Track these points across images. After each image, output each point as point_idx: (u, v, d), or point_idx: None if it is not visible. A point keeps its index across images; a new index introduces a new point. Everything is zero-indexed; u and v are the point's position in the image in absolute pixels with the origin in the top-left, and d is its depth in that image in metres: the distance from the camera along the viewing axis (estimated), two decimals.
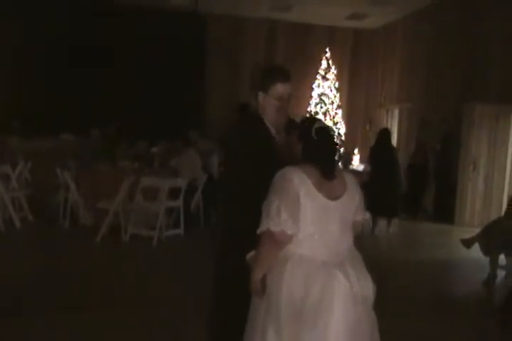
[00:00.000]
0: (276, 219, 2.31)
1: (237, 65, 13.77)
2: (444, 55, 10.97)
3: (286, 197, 2.34)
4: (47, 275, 5.49)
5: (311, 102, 13.73)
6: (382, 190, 8.03)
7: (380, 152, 8.43)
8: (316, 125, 2.50)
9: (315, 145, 2.46)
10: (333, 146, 2.54)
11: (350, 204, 2.48)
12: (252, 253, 2.47)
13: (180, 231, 7.57)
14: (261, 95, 2.78)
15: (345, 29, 14.32)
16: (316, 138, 2.46)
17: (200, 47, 13.31)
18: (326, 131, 2.53)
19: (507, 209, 6.67)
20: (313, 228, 2.37)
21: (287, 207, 2.32)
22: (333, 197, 2.41)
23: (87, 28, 12.22)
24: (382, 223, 8.54)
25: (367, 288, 2.39)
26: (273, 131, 2.79)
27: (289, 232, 2.33)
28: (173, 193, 7.39)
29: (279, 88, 2.75)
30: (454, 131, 9.70)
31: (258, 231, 2.37)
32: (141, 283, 5.47)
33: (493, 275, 6.13)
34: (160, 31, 12.53)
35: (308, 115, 12.93)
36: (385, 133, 8.61)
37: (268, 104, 2.77)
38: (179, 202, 7.47)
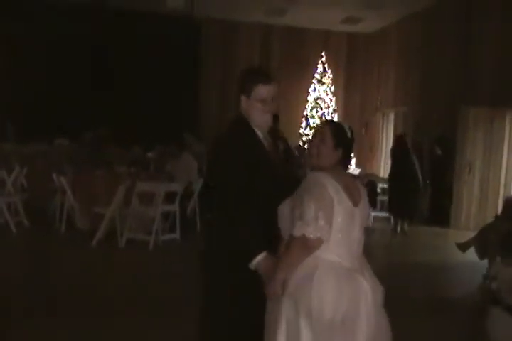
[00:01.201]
0: (313, 225, 2.30)
1: (232, 69, 13.78)
2: (438, 59, 11.01)
3: (323, 203, 2.34)
4: (43, 280, 5.47)
5: (307, 106, 13.75)
6: (396, 193, 8.72)
7: (399, 155, 8.92)
8: (346, 126, 2.57)
9: (352, 146, 2.55)
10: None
11: (366, 210, 2.56)
12: (258, 258, 2.42)
13: (177, 235, 7.56)
14: (244, 99, 2.67)
15: (340, 33, 14.37)
16: (351, 138, 2.55)
17: (195, 51, 13.33)
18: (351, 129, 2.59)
19: (502, 212, 6.71)
20: (340, 234, 2.39)
21: (325, 213, 2.33)
22: (356, 203, 2.46)
23: (83, 30, 12.23)
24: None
25: (380, 291, 2.47)
26: (260, 135, 2.69)
27: (324, 239, 2.34)
28: (169, 197, 7.38)
29: (262, 90, 2.63)
30: (449, 134, 9.73)
31: (290, 235, 2.36)
32: (137, 287, 5.46)
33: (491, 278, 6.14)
34: (155, 35, 12.56)
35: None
36: (402, 138, 9.07)
37: (252, 108, 2.65)
38: (175, 207, 7.46)
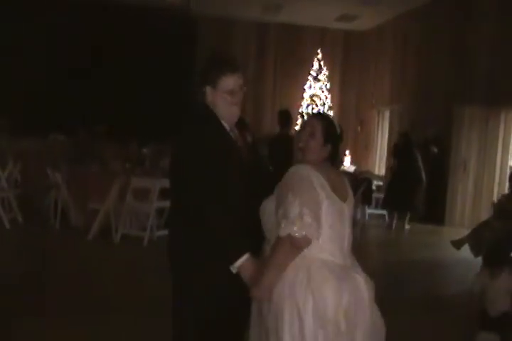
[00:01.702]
0: (298, 224, 2.13)
1: None
2: (434, 57, 11.03)
3: (308, 198, 2.18)
4: (37, 276, 5.46)
5: (302, 103, 13.75)
6: (400, 187, 8.86)
7: (401, 152, 9.10)
8: (335, 121, 2.46)
9: (340, 143, 2.43)
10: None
11: (352, 204, 2.42)
12: (240, 261, 2.24)
13: None
14: (209, 90, 2.46)
15: (336, 30, 14.36)
16: (339, 134, 2.44)
17: (191, 48, 13.29)
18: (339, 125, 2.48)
19: (495, 210, 6.72)
20: (331, 231, 2.26)
21: (310, 209, 2.16)
22: (343, 198, 2.34)
23: (80, 27, 12.19)
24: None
25: (372, 287, 2.36)
26: (227, 127, 2.49)
27: (312, 236, 2.18)
28: (164, 193, 7.37)
29: (230, 81, 2.43)
30: (445, 132, 9.76)
31: (276, 236, 2.20)
32: (132, 283, 5.45)
33: None
34: (150, 31, 12.52)
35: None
36: (407, 136, 9.23)
37: (219, 100, 2.44)
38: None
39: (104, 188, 7.19)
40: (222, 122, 2.47)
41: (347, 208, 2.35)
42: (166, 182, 7.30)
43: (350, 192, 2.44)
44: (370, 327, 2.30)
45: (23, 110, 11.53)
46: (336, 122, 2.46)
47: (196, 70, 13.43)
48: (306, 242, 2.18)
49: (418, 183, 8.94)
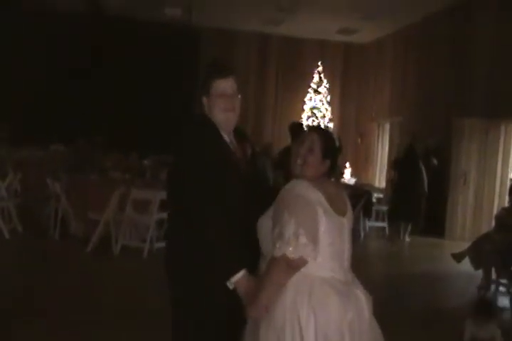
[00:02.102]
0: (294, 244, 2.08)
1: None
2: (433, 69, 11.08)
3: (304, 218, 2.12)
4: (36, 287, 5.43)
5: (302, 116, 13.78)
6: (405, 198, 8.94)
7: (405, 164, 9.17)
8: (336, 136, 2.42)
9: (338, 156, 2.39)
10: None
11: (351, 218, 2.39)
12: (237, 276, 2.19)
13: None
14: (205, 100, 2.47)
15: (336, 43, 14.46)
16: (338, 148, 2.39)
17: (193, 60, 13.36)
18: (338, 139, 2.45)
19: (495, 223, 6.72)
20: (331, 249, 2.21)
21: (306, 229, 2.11)
22: (342, 212, 2.29)
23: (79, 39, 12.28)
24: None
25: (371, 301, 2.33)
26: (226, 138, 2.46)
27: (309, 257, 2.13)
28: (164, 205, 7.35)
29: (220, 85, 2.41)
30: (445, 144, 9.77)
31: (270, 256, 2.15)
32: (131, 295, 5.42)
33: (486, 288, 6.15)
34: (153, 43, 12.61)
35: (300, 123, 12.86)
36: (412, 147, 9.31)
37: (213, 107, 2.43)
38: None
39: (104, 199, 7.17)
40: (221, 132, 2.44)
41: (346, 222, 2.31)
42: (166, 194, 7.34)
43: (349, 206, 2.40)
44: (372, 337, 2.27)
45: (23, 120, 11.56)
46: (334, 135, 2.42)
47: (198, 81, 13.55)
48: (301, 263, 2.14)
49: (422, 195, 9.05)
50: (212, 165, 2.27)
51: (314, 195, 2.19)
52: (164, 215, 7.35)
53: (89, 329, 4.33)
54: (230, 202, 2.29)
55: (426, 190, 9.07)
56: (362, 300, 2.25)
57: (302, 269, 2.17)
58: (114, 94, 12.44)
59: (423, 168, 9.12)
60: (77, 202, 7.48)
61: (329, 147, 2.35)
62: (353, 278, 2.34)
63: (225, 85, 2.42)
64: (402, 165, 9.35)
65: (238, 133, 2.56)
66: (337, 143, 2.40)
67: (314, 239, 2.14)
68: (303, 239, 2.09)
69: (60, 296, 5.18)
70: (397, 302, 5.55)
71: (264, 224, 2.28)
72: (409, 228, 9.21)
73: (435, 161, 9.65)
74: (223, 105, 2.42)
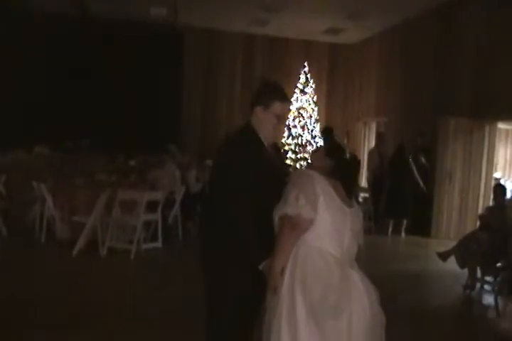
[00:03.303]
0: (294, 205, 2.43)
1: (215, 79, 13.82)
2: (419, 69, 11.16)
3: (305, 188, 2.48)
4: (23, 291, 5.39)
5: (289, 116, 13.80)
6: (397, 195, 9.46)
7: (397, 163, 9.59)
8: (348, 149, 2.78)
9: (347, 165, 2.70)
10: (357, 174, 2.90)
11: (359, 219, 2.67)
12: (264, 262, 2.52)
13: (159, 244, 7.52)
14: (260, 110, 2.80)
15: (322, 43, 14.49)
16: (349, 159, 2.72)
17: (178, 60, 13.33)
18: (356, 159, 2.85)
19: (480, 222, 6.80)
20: (331, 226, 2.50)
21: (306, 195, 2.45)
22: (347, 204, 2.60)
23: (64, 40, 12.19)
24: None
25: (373, 288, 2.62)
26: (265, 144, 2.83)
27: (307, 216, 2.44)
28: (151, 206, 7.35)
29: (281, 106, 2.80)
30: (430, 144, 9.85)
31: (275, 217, 2.48)
32: (119, 297, 5.41)
33: (471, 287, 6.21)
34: (137, 43, 12.56)
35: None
36: (402, 147, 9.75)
37: (266, 120, 2.79)
38: (157, 215, 7.43)
39: (90, 201, 7.14)
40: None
41: (350, 215, 2.58)
42: (152, 195, 7.34)
43: (357, 209, 2.69)
44: (370, 317, 2.47)
45: (7, 123, 11.45)
46: (347, 150, 2.80)
47: (183, 83, 13.56)
48: (302, 220, 2.45)
49: (416, 192, 9.58)
50: (258, 176, 2.62)
51: (317, 177, 2.55)
52: (151, 216, 7.37)
53: (76, 331, 4.31)
54: (266, 204, 2.61)
55: (422, 186, 9.63)
56: (353, 276, 2.51)
57: (303, 237, 2.47)
58: (100, 95, 12.37)
59: (414, 167, 9.60)
60: (63, 205, 7.44)
61: (332, 147, 2.79)
62: (353, 265, 2.60)
63: (284, 109, 2.85)
64: (393, 164, 9.71)
65: (273, 145, 3.09)
66: (347, 153, 2.77)
67: (313, 205, 2.46)
68: (302, 201, 2.44)
69: (46, 299, 5.15)
70: (382, 300, 5.57)
71: (276, 211, 2.57)
72: (405, 224, 9.69)
73: (423, 160, 9.76)
74: (276, 123, 2.80)
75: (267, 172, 2.69)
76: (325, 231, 2.48)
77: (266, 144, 2.82)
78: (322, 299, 2.36)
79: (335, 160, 2.69)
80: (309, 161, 2.90)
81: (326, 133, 8.06)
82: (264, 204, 2.60)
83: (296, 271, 2.42)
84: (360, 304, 2.44)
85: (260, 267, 2.56)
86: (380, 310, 2.58)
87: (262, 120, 2.79)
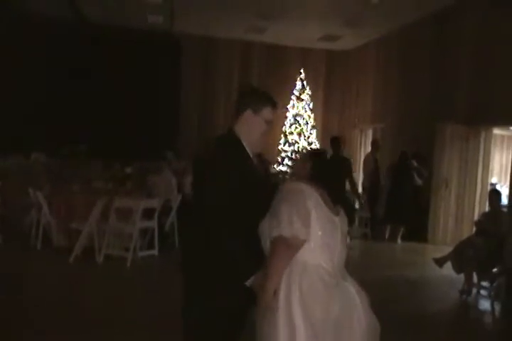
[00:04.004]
0: (288, 226, 2.35)
1: (212, 86, 13.87)
2: (415, 77, 11.21)
3: (297, 206, 2.40)
4: (18, 299, 5.38)
5: (285, 123, 13.84)
6: (397, 201, 9.57)
7: (399, 170, 9.73)
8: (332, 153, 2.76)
9: (328, 169, 2.68)
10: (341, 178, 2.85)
11: (345, 223, 2.62)
12: (253, 277, 2.43)
13: (155, 251, 7.50)
14: (249, 113, 2.65)
15: (318, 50, 14.56)
16: (330, 162, 2.71)
17: (175, 68, 13.38)
18: (343, 157, 2.80)
19: (476, 227, 6.81)
20: (321, 241, 2.44)
21: (299, 215, 2.38)
22: (335, 213, 2.54)
23: (60, 47, 12.23)
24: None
25: (364, 295, 2.53)
26: (250, 153, 2.67)
27: (302, 237, 2.38)
28: (148, 213, 7.34)
29: (272, 113, 2.70)
30: (426, 150, 9.87)
31: (269, 238, 2.40)
32: (115, 304, 5.39)
33: (467, 292, 6.22)
34: (134, 51, 12.60)
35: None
36: (405, 154, 9.82)
37: (255, 125, 2.66)
38: (153, 223, 7.42)
39: (86, 208, 7.13)
40: (246, 147, 2.66)
41: (339, 222, 2.54)
42: (149, 203, 7.34)
43: (342, 211, 2.63)
44: (366, 327, 2.44)
45: (4, 129, 11.46)
46: (328, 154, 2.82)
47: (180, 90, 13.60)
48: (298, 241, 2.38)
49: (416, 198, 9.68)
50: (243, 188, 2.48)
51: (308, 190, 2.47)
52: (147, 224, 7.37)
53: (73, 338, 4.30)
54: (252, 216, 2.51)
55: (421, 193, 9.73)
56: (350, 290, 2.45)
57: (296, 255, 2.40)
58: (98, 102, 12.39)
59: (415, 173, 9.71)
60: (60, 212, 7.43)
61: (312, 153, 2.82)
62: (344, 275, 2.54)
63: (272, 114, 2.71)
64: (395, 170, 9.81)
65: (258, 154, 3.01)
66: (327, 154, 2.78)
67: (306, 224, 2.39)
68: (297, 222, 2.37)
69: (42, 306, 5.13)
70: (378, 306, 5.57)
71: (265, 227, 2.48)
72: (402, 231, 9.70)
73: (415, 163, 9.83)
74: (265, 129, 2.68)
75: (251, 184, 2.56)
76: (316, 246, 2.42)
77: (251, 153, 2.67)
78: (324, 317, 2.31)
79: (313, 165, 2.65)
80: (292, 170, 2.84)
81: (331, 142, 8.19)
82: (249, 216, 2.49)
83: (292, 292, 2.33)
84: (357, 317, 2.42)
85: (248, 283, 2.44)
86: (373, 317, 2.52)
87: (250, 125, 2.64)
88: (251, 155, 2.67)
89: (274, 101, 2.73)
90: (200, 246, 2.57)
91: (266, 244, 2.48)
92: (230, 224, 2.45)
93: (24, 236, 7.99)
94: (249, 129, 2.65)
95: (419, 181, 9.72)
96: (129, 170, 10.10)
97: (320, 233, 2.43)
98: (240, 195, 2.46)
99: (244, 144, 2.64)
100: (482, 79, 9.23)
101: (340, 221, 2.55)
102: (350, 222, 9.54)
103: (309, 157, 2.73)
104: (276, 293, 2.34)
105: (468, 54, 9.65)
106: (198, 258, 2.58)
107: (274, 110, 2.72)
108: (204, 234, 2.53)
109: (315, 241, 2.42)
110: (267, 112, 2.67)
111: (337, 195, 2.65)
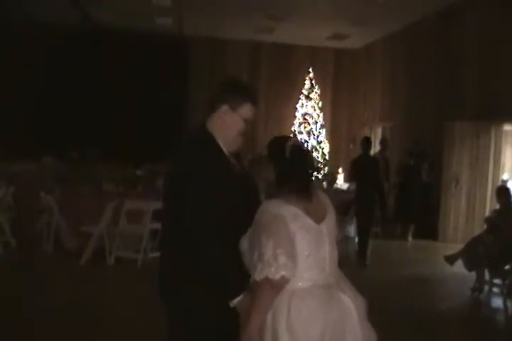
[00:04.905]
0: (274, 265, 2.14)
1: None
2: (424, 74, 11.15)
3: (279, 237, 2.17)
4: (30, 301, 5.42)
5: (295, 122, 13.83)
6: (408, 199, 9.69)
7: (410, 168, 9.89)
8: (289, 143, 2.33)
9: (289, 165, 2.30)
10: (308, 165, 2.39)
11: (333, 223, 2.41)
12: (239, 298, 2.25)
13: None
14: (226, 109, 2.40)
15: (327, 49, 14.54)
16: (289, 157, 2.30)
17: (184, 69, 13.42)
18: (300, 149, 2.37)
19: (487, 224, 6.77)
20: (309, 260, 2.26)
21: (284, 248, 2.16)
22: (319, 219, 2.31)
23: (69, 50, 12.32)
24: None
25: (362, 303, 2.36)
26: (226, 152, 2.43)
27: (289, 276, 2.19)
28: (158, 215, 7.36)
29: (250, 110, 2.43)
30: (436, 148, 9.83)
31: (253, 279, 2.19)
32: (127, 305, 5.42)
33: (479, 290, 6.18)
34: (143, 53, 12.66)
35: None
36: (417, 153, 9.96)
37: (232, 123, 2.40)
38: None
39: (97, 211, 7.17)
40: (221, 146, 2.42)
41: (325, 228, 2.34)
42: (159, 204, 7.35)
43: (330, 208, 2.42)
44: (362, 338, 2.28)
45: (15, 133, 11.57)
46: (293, 142, 2.36)
47: (190, 91, 13.63)
48: (284, 281, 2.19)
49: (424, 197, 9.79)
50: (218, 188, 2.27)
51: (288, 211, 2.22)
52: (158, 225, 7.38)
53: (84, 340, 4.34)
54: (233, 223, 2.31)
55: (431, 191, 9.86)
56: (347, 302, 2.27)
57: None
58: (106, 105, 12.47)
59: (424, 172, 9.83)
60: (71, 215, 7.49)
61: (272, 149, 2.38)
62: (339, 281, 2.37)
63: (253, 112, 2.45)
64: (403, 169, 10.00)
65: (236, 154, 2.57)
66: (287, 150, 2.31)
67: (292, 257, 2.19)
68: (282, 259, 2.15)
69: (53, 309, 5.17)
70: (390, 304, 5.56)
71: (245, 245, 2.32)
72: (412, 229, 9.76)
73: (426, 165, 9.80)
74: (242, 127, 2.43)
75: (230, 186, 2.33)
76: (303, 268, 2.23)
77: (226, 152, 2.42)
78: (313, 337, 2.17)
79: (274, 163, 2.33)
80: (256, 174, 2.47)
81: (362, 143, 8.53)
82: (231, 222, 2.29)
83: (279, 323, 2.17)
84: (351, 330, 2.26)
85: (232, 304, 2.25)
86: (368, 326, 2.37)
87: (225, 122, 2.39)
88: (227, 154, 2.43)
89: (255, 97, 2.47)
90: (176, 258, 2.38)
91: (246, 260, 2.31)
92: (211, 231, 2.23)
93: (36, 239, 8.06)
94: (223, 127, 2.40)
95: (426, 178, 9.78)
96: (139, 172, 10.14)
97: (306, 253, 2.24)
98: (219, 198, 2.26)
99: (219, 142, 2.40)
100: (490, 75, 9.17)
101: (326, 226, 2.33)
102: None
103: (270, 156, 2.37)
104: (260, 330, 2.18)
105: (476, 50, 9.59)
106: (178, 270, 2.37)
107: (255, 108, 2.45)
108: (179, 244, 2.33)
109: (302, 263, 2.23)
110: (246, 109, 2.41)
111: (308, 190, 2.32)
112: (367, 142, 8.46)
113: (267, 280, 2.15)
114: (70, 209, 7.53)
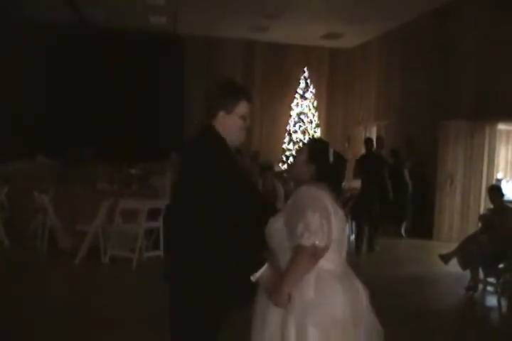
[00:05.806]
0: (321, 233, 2.33)
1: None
2: (419, 73, 11.17)
3: (324, 212, 2.39)
4: (24, 300, 5.41)
5: (290, 121, 13.84)
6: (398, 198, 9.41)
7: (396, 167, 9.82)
8: (332, 149, 2.61)
9: (331, 168, 2.59)
10: (345, 170, 2.76)
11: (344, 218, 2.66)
12: (260, 271, 2.35)
13: (160, 252, 7.52)
14: (222, 114, 2.56)
15: (321, 48, 14.54)
16: (332, 161, 2.58)
17: (178, 68, 13.40)
18: (341, 156, 2.66)
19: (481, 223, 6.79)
20: (337, 243, 2.47)
21: (328, 221, 2.38)
22: (340, 206, 2.58)
23: (63, 50, 12.28)
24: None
25: (366, 290, 2.57)
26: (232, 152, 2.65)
27: (329, 245, 2.38)
28: (153, 214, 7.36)
29: (246, 107, 2.59)
30: (431, 147, 9.85)
31: (298, 246, 2.33)
32: (121, 304, 5.42)
33: (473, 288, 6.20)
34: (138, 52, 12.63)
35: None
36: (397, 152, 10.13)
37: (232, 124, 2.57)
38: (158, 223, 7.44)
39: (91, 210, 7.16)
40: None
41: (345, 220, 2.63)
42: (154, 203, 7.36)
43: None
44: (371, 324, 2.50)
45: (6, 133, 11.51)
46: (332, 150, 2.62)
47: (184, 90, 13.60)
48: (325, 251, 2.39)
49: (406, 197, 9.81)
50: (231, 185, 2.43)
51: (325, 196, 2.48)
52: (153, 224, 7.38)
53: (79, 339, 4.32)
54: (244, 212, 2.50)
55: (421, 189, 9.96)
56: (360, 287, 2.51)
57: None
58: (101, 104, 12.43)
59: (406, 172, 9.91)
60: (65, 214, 7.47)
61: (316, 153, 2.61)
62: (349, 269, 2.58)
63: (247, 108, 2.61)
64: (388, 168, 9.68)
65: (237, 150, 2.93)
66: (331, 157, 2.59)
67: (331, 232, 2.40)
68: (326, 228, 2.36)
69: (47, 308, 5.16)
70: (384, 303, 5.56)
71: (276, 225, 2.49)
72: (404, 226, 9.93)
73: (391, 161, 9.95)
74: (241, 124, 2.60)
75: (240, 178, 2.55)
76: (331, 249, 2.42)
77: (232, 150, 2.64)
78: (337, 318, 2.36)
79: (319, 166, 2.57)
80: (290, 164, 2.75)
81: (365, 142, 8.96)
82: (242, 211, 2.46)
83: (305, 294, 2.35)
84: (364, 313, 2.49)
85: (253, 278, 2.37)
86: (373, 315, 2.55)
87: (226, 125, 2.57)
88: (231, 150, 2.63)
89: (248, 94, 2.62)
90: (192, 247, 2.48)
91: (275, 240, 2.48)
92: (229, 221, 2.36)
93: (30, 238, 8.04)
94: (225, 129, 2.57)
95: (407, 177, 9.83)
96: (133, 171, 10.12)
97: (336, 240, 2.45)
98: (232, 189, 2.42)
99: (228, 142, 2.58)
100: (485, 75, 9.19)
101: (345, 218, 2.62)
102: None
103: (313, 157, 2.59)
104: (290, 295, 2.33)
105: (471, 49, 9.61)
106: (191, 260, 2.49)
107: (250, 104, 2.61)
108: (194, 235, 2.45)
109: (332, 244, 2.41)
110: (241, 107, 2.58)
111: (339, 192, 2.65)
112: (369, 142, 8.89)
113: (313, 247, 2.33)
114: (65, 208, 7.51)
